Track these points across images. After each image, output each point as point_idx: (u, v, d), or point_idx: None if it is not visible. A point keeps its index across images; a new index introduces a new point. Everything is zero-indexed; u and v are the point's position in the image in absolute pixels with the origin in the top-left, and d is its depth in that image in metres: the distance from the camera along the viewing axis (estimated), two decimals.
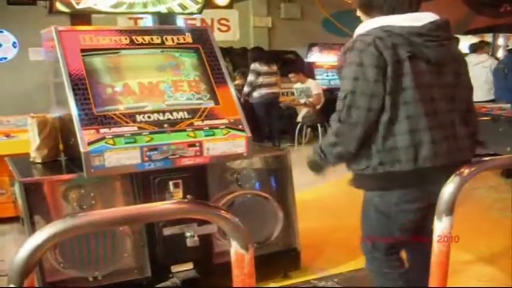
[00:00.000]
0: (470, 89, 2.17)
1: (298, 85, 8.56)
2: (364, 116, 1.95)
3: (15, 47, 8.29)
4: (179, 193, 2.73)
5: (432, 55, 1.98)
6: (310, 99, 8.35)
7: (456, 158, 2.00)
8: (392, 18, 2.00)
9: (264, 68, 7.94)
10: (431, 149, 1.96)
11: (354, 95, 1.94)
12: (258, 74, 7.92)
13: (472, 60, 6.79)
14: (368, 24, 2.04)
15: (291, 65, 9.30)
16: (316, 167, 2.20)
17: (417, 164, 1.97)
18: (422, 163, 1.97)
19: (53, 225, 1.25)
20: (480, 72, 6.94)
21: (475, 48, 7.45)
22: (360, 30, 2.06)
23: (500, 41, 10.04)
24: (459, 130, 2.06)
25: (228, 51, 9.24)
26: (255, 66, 8.00)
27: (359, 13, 2.14)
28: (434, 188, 1.90)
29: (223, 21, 10.11)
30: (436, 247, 1.86)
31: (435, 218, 1.85)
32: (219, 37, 9.11)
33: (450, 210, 1.82)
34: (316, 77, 9.51)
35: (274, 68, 8.13)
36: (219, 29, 10.02)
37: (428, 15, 2.03)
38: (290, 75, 8.53)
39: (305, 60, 10.13)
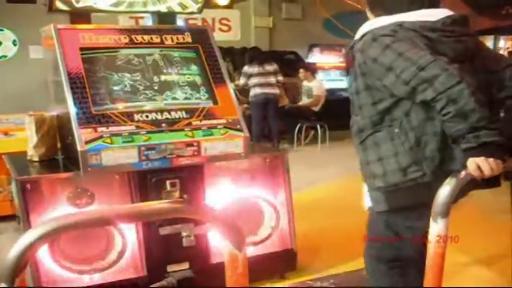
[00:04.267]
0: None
1: (305, 83, 8.61)
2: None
3: (15, 45, 8.30)
4: (176, 192, 2.72)
5: (449, 52, 1.88)
6: (311, 100, 8.41)
7: None
8: (404, 15, 1.93)
9: (254, 69, 7.90)
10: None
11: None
12: (249, 75, 7.91)
13: None
14: (380, 21, 1.98)
15: (291, 65, 9.31)
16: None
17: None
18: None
19: (46, 223, 1.24)
20: None
21: None
22: (370, 26, 1.98)
23: (502, 43, 10.05)
24: None
25: (228, 51, 9.25)
26: (244, 68, 8.02)
27: (368, 13, 2.11)
28: None
29: (224, 21, 10.12)
30: (431, 249, 1.86)
31: (431, 219, 1.85)
32: (220, 37, 9.12)
33: (445, 213, 1.82)
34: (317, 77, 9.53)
35: (270, 68, 8.01)
36: (220, 28, 10.02)
37: (443, 11, 1.95)
38: (300, 71, 8.59)
39: (306, 60, 10.13)
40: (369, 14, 2.11)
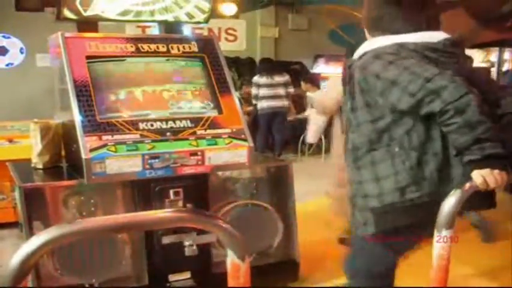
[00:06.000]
0: None
1: (308, 94, 8.60)
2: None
3: (22, 53, 8.34)
4: (179, 202, 2.72)
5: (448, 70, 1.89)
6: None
7: None
8: (404, 36, 1.96)
9: (263, 80, 7.85)
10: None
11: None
12: (259, 86, 7.87)
13: None
14: (380, 41, 1.99)
15: (296, 75, 9.32)
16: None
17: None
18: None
19: (49, 231, 1.24)
20: None
21: None
22: (370, 46, 2.01)
23: (506, 55, 10.05)
24: None
25: (234, 61, 9.27)
26: (254, 79, 7.98)
27: (366, 33, 2.13)
28: None
29: (230, 31, 10.13)
30: (436, 261, 1.85)
31: (435, 231, 1.84)
32: (226, 47, 9.12)
33: (450, 224, 1.81)
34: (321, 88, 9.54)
35: (280, 79, 7.96)
36: (226, 38, 10.03)
37: (441, 33, 1.98)
38: (301, 83, 8.61)
39: (311, 71, 10.15)
40: (367, 35, 2.13)
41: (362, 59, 1.98)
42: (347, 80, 2.04)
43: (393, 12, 2.01)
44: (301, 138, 8.31)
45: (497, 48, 9.95)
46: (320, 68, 10.26)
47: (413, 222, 1.93)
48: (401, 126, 1.90)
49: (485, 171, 1.77)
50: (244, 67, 9.47)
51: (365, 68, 1.94)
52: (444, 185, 1.88)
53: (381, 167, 1.93)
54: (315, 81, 8.96)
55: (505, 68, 9.82)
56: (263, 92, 7.83)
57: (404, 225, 1.95)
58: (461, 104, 1.74)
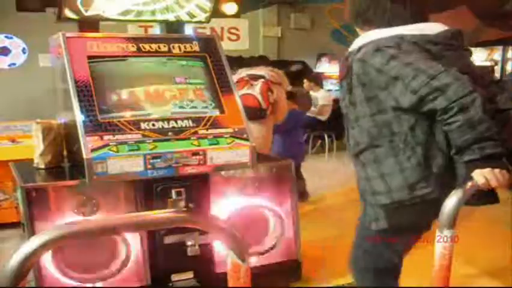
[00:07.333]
0: None
1: (311, 93, 8.57)
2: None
3: (24, 53, 8.34)
4: (181, 202, 2.71)
5: (451, 66, 1.84)
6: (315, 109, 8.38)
7: None
8: (402, 28, 1.92)
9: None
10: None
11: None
12: None
13: None
14: (379, 33, 1.95)
15: (298, 74, 9.28)
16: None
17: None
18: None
19: (49, 231, 1.24)
20: None
21: None
22: (368, 38, 1.95)
23: (510, 53, 10.00)
24: None
25: (236, 60, 9.26)
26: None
27: (356, 27, 2.10)
28: None
29: (233, 30, 10.15)
30: (437, 261, 1.84)
31: (437, 231, 1.84)
32: (229, 46, 9.12)
33: (452, 224, 1.81)
34: (324, 87, 9.50)
35: None
36: (228, 38, 10.04)
37: (439, 25, 1.95)
38: (304, 81, 8.56)
39: (314, 70, 10.13)
40: (357, 29, 2.10)
41: (361, 51, 1.93)
42: (344, 73, 1.99)
43: (381, 4, 1.98)
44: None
45: (500, 47, 9.93)
46: (323, 67, 10.26)
47: (422, 218, 1.96)
48: (403, 122, 1.88)
49: (487, 171, 1.76)
50: (246, 67, 9.44)
51: (365, 61, 1.90)
52: (451, 181, 1.88)
53: (385, 164, 1.92)
54: (318, 80, 8.94)
55: (509, 66, 9.79)
56: None
57: (414, 222, 1.97)
58: (465, 102, 1.73)
